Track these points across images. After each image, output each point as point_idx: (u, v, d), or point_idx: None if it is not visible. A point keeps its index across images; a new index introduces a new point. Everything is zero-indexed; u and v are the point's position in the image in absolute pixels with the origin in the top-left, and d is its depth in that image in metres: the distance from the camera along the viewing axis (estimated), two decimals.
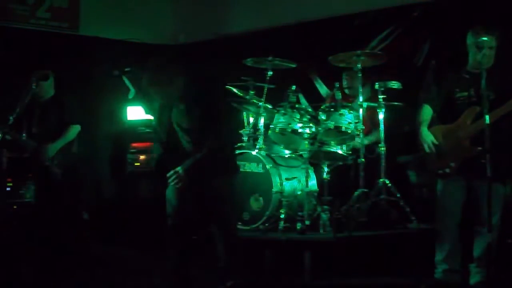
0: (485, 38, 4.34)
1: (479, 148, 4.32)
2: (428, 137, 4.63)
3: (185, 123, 4.36)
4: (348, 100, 5.79)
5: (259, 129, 5.75)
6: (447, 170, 4.56)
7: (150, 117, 7.38)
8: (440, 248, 4.62)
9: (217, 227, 4.45)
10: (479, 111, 4.35)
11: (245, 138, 5.87)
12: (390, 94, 5.59)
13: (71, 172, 5.78)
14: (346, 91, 6.10)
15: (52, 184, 5.67)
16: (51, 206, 5.71)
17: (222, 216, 4.44)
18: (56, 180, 5.65)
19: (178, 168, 4.24)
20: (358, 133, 5.45)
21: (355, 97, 5.72)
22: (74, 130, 5.77)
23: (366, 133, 5.65)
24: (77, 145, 5.87)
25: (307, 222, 5.25)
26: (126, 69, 4.46)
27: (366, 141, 5.63)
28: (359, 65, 5.57)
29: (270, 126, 5.55)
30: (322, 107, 5.49)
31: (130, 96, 4.61)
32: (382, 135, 5.54)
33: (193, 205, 4.40)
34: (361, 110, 5.52)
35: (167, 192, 4.44)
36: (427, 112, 4.73)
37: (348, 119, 5.35)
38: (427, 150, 4.63)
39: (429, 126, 4.72)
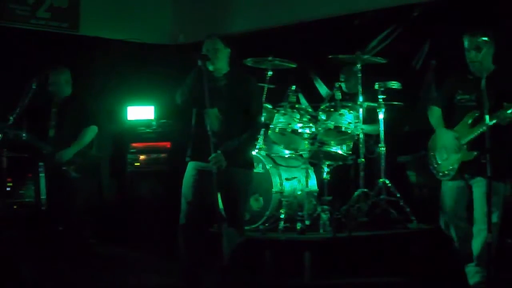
0: (484, 38, 4.35)
1: (476, 152, 4.37)
2: (449, 134, 4.59)
3: (230, 102, 4.35)
4: (346, 99, 5.77)
5: None
6: (447, 172, 4.59)
7: (151, 116, 7.50)
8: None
9: (228, 225, 4.41)
10: (478, 115, 4.39)
11: None
12: (390, 94, 5.60)
13: (90, 175, 5.63)
14: (344, 88, 6.08)
15: (69, 187, 5.50)
16: (65, 209, 5.58)
17: (236, 214, 4.39)
18: (73, 184, 5.50)
19: (219, 151, 4.22)
20: (358, 133, 5.45)
21: (354, 95, 5.72)
22: (91, 132, 5.52)
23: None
24: (96, 146, 5.64)
25: (307, 222, 5.25)
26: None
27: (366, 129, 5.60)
28: (359, 65, 5.58)
29: (270, 126, 5.55)
30: (322, 107, 5.49)
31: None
32: (382, 135, 5.55)
33: (211, 200, 4.36)
34: (361, 110, 5.52)
35: (183, 188, 4.41)
36: (436, 113, 4.74)
37: (348, 119, 5.35)
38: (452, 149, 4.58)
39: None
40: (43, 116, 5.62)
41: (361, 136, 5.50)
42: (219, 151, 4.21)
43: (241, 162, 4.38)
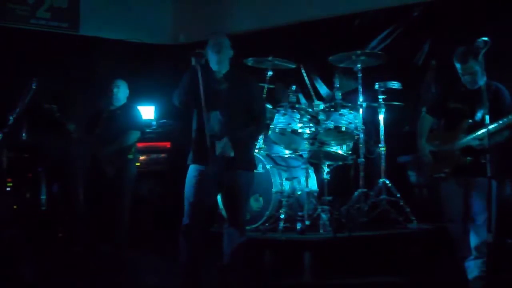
0: (475, 63, 4.41)
1: (470, 158, 4.45)
2: (426, 150, 4.69)
3: (231, 105, 4.32)
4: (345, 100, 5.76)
5: None
6: (442, 175, 4.64)
7: (151, 116, 7.50)
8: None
9: (229, 225, 4.39)
10: (471, 124, 4.49)
11: None
12: (390, 94, 5.60)
13: (123, 174, 5.90)
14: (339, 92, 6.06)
15: (103, 180, 5.83)
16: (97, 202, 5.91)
17: (237, 214, 4.37)
18: (107, 178, 5.80)
19: (225, 138, 4.17)
20: (358, 133, 5.46)
21: (347, 94, 5.72)
22: (133, 136, 5.96)
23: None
24: (135, 150, 6.06)
25: (307, 222, 5.26)
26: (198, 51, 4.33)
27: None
28: (359, 65, 5.58)
29: (270, 126, 5.55)
30: (322, 107, 5.49)
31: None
32: (382, 135, 5.55)
33: (212, 201, 4.31)
34: (361, 110, 5.53)
35: (186, 189, 4.39)
36: (426, 122, 4.81)
37: (348, 119, 5.35)
38: (425, 161, 4.71)
39: (431, 130, 4.79)
40: (96, 117, 6.01)
41: (361, 136, 5.50)
42: (225, 138, 4.18)
43: (243, 163, 4.36)
